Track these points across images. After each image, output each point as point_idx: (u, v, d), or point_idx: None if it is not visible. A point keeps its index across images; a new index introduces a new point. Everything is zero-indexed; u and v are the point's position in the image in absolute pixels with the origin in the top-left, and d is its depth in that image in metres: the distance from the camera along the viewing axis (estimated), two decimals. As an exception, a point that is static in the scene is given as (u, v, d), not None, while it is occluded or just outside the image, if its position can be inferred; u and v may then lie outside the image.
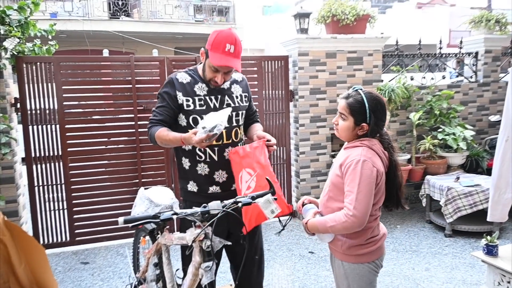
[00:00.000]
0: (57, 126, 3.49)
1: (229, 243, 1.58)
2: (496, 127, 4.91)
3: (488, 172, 4.24)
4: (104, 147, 3.71)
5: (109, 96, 3.72)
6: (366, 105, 1.59)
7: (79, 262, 3.37)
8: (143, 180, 3.67)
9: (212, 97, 1.97)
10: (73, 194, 3.56)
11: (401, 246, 3.55)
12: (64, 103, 3.50)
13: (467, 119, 4.77)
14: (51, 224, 3.54)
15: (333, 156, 4.24)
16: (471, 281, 2.93)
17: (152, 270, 2.09)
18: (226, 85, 2.04)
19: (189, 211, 1.53)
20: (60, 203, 3.55)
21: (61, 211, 3.55)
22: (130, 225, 1.45)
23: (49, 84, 3.45)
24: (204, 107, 1.94)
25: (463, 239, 3.66)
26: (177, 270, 1.85)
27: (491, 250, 2.37)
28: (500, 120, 2.77)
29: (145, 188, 2.14)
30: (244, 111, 2.08)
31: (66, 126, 3.52)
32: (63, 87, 3.49)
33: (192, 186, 2.02)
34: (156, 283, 2.09)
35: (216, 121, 1.68)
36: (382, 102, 1.64)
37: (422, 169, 4.27)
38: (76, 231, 3.60)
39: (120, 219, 1.44)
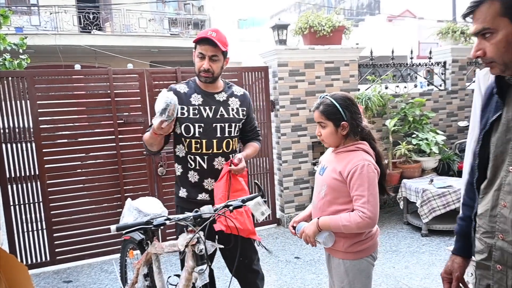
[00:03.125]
0: (33, 143, 3.39)
1: (222, 246, 1.62)
2: (464, 132, 5.18)
3: (459, 174, 4.46)
4: (82, 162, 3.63)
5: (87, 110, 3.66)
6: (337, 104, 1.69)
7: (61, 281, 3.25)
8: (125, 194, 3.61)
9: (207, 107, 2.04)
10: (52, 212, 3.46)
11: (382, 247, 3.67)
12: (40, 118, 3.41)
13: (438, 125, 5.01)
14: (29, 244, 3.41)
15: (314, 164, 4.34)
16: (449, 277, 3.05)
17: (141, 281, 2.07)
18: (223, 97, 2.10)
19: (181, 216, 1.55)
20: (39, 222, 3.42)
21: (39, 230, 3.43)
22: (123, 232, 1.45)
23: (23, 100, 3.36)
24: (197, 116, 2.03)
25: (438, 237, 3.83)
26: (169, 277, 1.84)
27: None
28: (468, 126, 2.94)
29: (132, 199, 2.12)
30: (238, 124, 2.12)
31: (43, 142, 3.42)
32: (38, 102, 3.39)
33: (183, 192, 2.09)
34: None
35: (162, 103, 1.77)
36: (349, 97, 1.75)
37: (399, 173, 4.45)
38: (57, 249, 3.48)
39: (112, 227, 1.43)
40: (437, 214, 3.80)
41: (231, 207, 1.61)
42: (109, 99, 3.57)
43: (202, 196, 2.06)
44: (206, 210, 1.57)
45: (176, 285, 1.74)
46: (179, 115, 1.99)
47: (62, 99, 3.60)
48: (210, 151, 2.03)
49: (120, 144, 3.61)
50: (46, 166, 3.43)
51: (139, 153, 3.69)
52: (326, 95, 1.75)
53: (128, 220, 1.97)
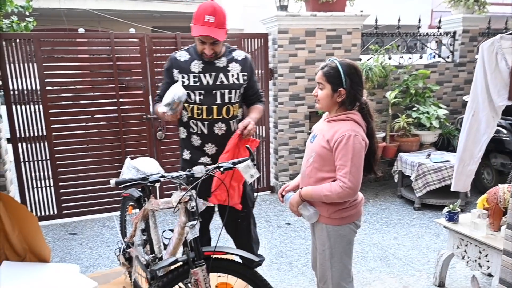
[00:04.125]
0: (40, 105, 3.53)
1: (212, 204, 1.75)
2: (468, 106, 5.13)
3: (458, 149, 4.48)
4: (86, 124, 3.77)
5: (90, 73, 3.75)
6: (340, 70, 1.69)
7: (67, 233, 3.51)
8: (126, 156, 3.77)
9: (207, 74, 2.09)
10: (58, 170, 3.66)
11: (373, 218, 3.79)
12: (46, 80, 3.53)
13: (442, 99, 4.94)
14: (38, 198, 3.66)
15: (310, 134, 4.40)
16: (435, 248, 3.18)
17: (139, 235, 2.24)
18: (223, 62, 2.13)
19: (174, 174, 1.68)
20: (46, 179, 3.65)
21: (47, 186, 3.66)
22: (121, 186, 1.59)
23: (30, 62, 3.46)
24: (198, 84, 2.08)
25: (430, 211, 3.90)
26: (163, 231, 2.00)
27: (452, 217, 2.54)
28: None
29: (131, 158, 2.26)
30: (239, 90, 2.15)
31: (49, 104, 3.57)
32: (44, 65, 3.51)
33: (186, 155, 2.23)
34: (143, 247, 2.25)
35: (169, 97, 1.90)
36: (356, 67, 1.72)
37: (396, 147, 4.45)
38: (63, 204, 3.72)
39: (112, 181, 1.57)
40: (432, 188, 3.83)
41: (222, 169, 1.72)
42: (111, 63, 3.65)
43: (204, 159, 2.17)
44: (198, 170, 1.69)
45: (170, 239, 1.90)
46: (181, 83, 2.06)
47: (67, 62, 3.69)
48: (210, 117, 2.10)
49: (121, 107, 3.73)
50: (52, 126, 3.60)
51: (139, 117, 3.82)
52: (335, 59, 1.75)
53: (126, 177, 2.11)
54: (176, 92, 1.91)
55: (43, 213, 3.69)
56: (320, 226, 1.82)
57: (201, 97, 2.09)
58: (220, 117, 2.12)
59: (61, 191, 3.70)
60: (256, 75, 2.25)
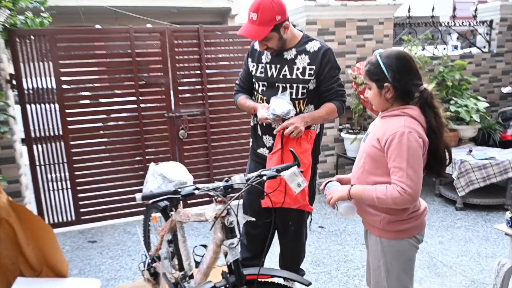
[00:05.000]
0: (56, 104, 3.34)
1: (253, 219, 1.51)
2: (507, 99, 4.78)
3: (501, 144, 4.15)
4: (104, 124, 3.57)
5: (109, 71, 3.54)
6: (381, 63, 1.49)
7: (86, 241, 3.31)
8: (147, 157, 3.56)
9: (272, 66, 2.01)
10: (76, 173, 3.46)
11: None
12: (62, 78, 3.33)
13: (479, 91, 4.63)
14: (55, 204, 3.46)
15: (340, 130, 4.13)
16: (486, 254, 2.89)
17: (165, 247, 2.02)
18: (292, 54, 2.00)
19: (211, 185, 1.44)
20: (64, 182, 3.45)
21: (64, 190, 3.46)
22: (149, 201, 1.36)
23: (45, 60, 3.27)
24: (263, 74, 2.04)
25: (474, 212, 3.61)
26: (195, 247, 1.77)
27: (516, 223, 2.28)
28: None
29: (154, 162, 2.03)
30: (304, 85, 1.98)
31: (66, 103, 3.36)
32: (60, 62, 3.31)
33: (252, 142, 2.22)
34: (170, 260, 2.02)
35: (278, 109, 1.87)
36: (402, 55, 1.50)
37: (433, 143, 4.17)
38: (81, 210, 3.52)
39: (138, 196, 1.33)
40: (475, 187, 3.56)
41: (264, 177, 1.48)
42: (130, 59, 3.43)
43: (263, 150, 2.11)
44: (237, 180, 1.45)
45: (202, 256, 1.66)
46: (252, 73, 2.10)
47: (84, 59, 3.49)
48: None
49: (141, 105, 3.51)
50: (69, 127, 3.40)
51: (160, 116, 3.59)
52: (377, 52, 1.55)
53: (152, 186, 1.88)
54: (287, 108, 1.89)
55: (60, 220, 3.49)
56: (374, 239, 1.59)
57: (264, 88, 2.06)
58: None
59: (79, 195, 3.50)
60: (337, 69, 2.04)
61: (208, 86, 3.66)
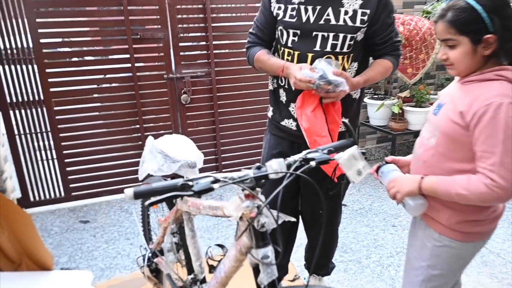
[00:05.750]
0: (34, 63, 2.81)
1: (293, 219, 1.08)
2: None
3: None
4: (95, 86, 3.07)
5: (96, 22, 2.96)
6: (477, 7, 1.05)
7: (77, 220, 2.90)
8: (144, 125, 3.09)
9: (309, 7, 1.47)
10: (62, 143, 3.00)
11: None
12: (40, 31, 2.77)
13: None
14: (40, 178, 3.02)
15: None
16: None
17: (169, 238, 1.61)
18: None
19: (235, 174, 0.98)
20: (49, 153, 3.00)
21: (50, 162, 3.02)
22: (146, 203, 0.92)
23: (19, 15, 2.70)
24: (294, 19, 1.49)
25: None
26: (208, 247, 1.35)
27: None
28: None
29: (152, 133, 1.57)
30: (352, 35, 1.46)
31: (46, 61, 2.83)
32: (36, 10, 2.74)
33: (270, 112, 1.73)
34: (176, 253, 1.62)
35: (327, 70, 1.39)
36: None
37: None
38: (71, 185, 3.09)
39: (128, 192, 0.87)
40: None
41: (312, 163, 1.03)
42: (121, 8, 2.85)
43: (288, 122, 1.63)
44: (275, 166, 0.99)
45: (219, 261, 1.24)
46: (276, 17, 1.55)
47: (64, 5, 2.90)
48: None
49: (136, 65, 2.99)
50: (51, 89, 2.89)
51: (159, 77, 3.08)
52: None
53: (150, 166, 1.44)
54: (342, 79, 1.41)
55: (47, 196, 3.07)
56: (430, 234, 1.25)
57: (295, 38, 1.51)
58: None
59: (67, 169, 3.06)
60: (393, 17, 1.54)
61: (214, 42, 3.11)
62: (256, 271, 1.07)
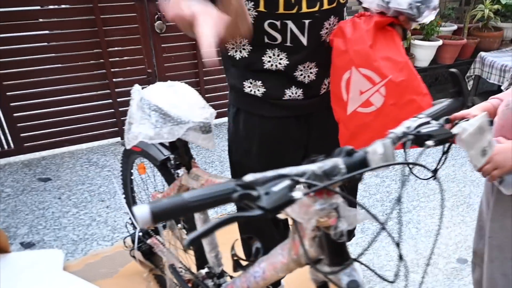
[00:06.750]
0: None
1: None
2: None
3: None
4: (38, 8, 2.36)
5: None
6: None
7: (35, 178, 2.39)
8: (110, 59, 2.50)
9: None
10: (4, 83, 2.36)
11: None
12: None
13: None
14: (-20, 127, 2.42)
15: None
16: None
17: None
18: None
19: (309, 168, 0.55)
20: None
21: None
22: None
23: None
24: None
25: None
26: (235, 241, 0.97)
27: None
28: None
29: (143, 87, 1.07)
30: None
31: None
32: None
33: (253, 87, 1.08)
34: (176, 229, 1.26)
35: None
36: None
37: (475, 44, 3.39)
38: (22, 134, 2.52)
39: (141, 212, 0.44)
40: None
41: (430, 142, 0.63)
42: None
43: (292, 92, 1.08)
44: (379, 150, 0.58)
45: (252, 261, 0.87)
46: None
47: None
48: (316, 8, 0.97)
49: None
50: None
51: (126, -4, 2.41)
52: None
53: (143, 130, 0.98)
54: None
55: (-7, 148, 2.51)
56: None
57: None
58: (334, 4, 1.00)
59: (15, 114, 2.46)
60: None
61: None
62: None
